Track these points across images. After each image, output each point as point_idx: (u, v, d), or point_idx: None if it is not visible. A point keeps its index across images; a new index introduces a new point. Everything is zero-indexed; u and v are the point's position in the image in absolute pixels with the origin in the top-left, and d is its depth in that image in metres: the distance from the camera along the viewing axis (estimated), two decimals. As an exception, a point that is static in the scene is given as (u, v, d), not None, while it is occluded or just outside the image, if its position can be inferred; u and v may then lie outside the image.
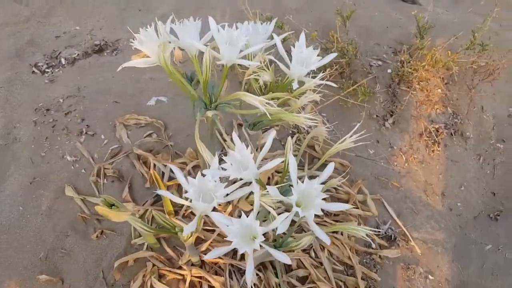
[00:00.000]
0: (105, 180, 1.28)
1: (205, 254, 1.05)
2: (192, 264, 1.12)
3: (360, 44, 1.62)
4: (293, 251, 1.07)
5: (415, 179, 1.53)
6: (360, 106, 1.55)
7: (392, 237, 1.37)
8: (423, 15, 1.63)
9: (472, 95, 1.67)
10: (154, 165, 1.25)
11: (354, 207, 1.34)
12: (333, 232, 1.28)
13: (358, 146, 1.51)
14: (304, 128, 1.41)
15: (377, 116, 1.59)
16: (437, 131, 1.63)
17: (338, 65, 1.53)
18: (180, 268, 1.12)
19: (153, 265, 1.13)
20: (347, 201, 1.36)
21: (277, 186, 0.77)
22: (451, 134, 1.65)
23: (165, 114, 1.41)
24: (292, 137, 1.44)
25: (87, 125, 1.40)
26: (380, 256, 1.32)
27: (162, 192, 0.81)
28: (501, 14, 1.95)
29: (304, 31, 1.59)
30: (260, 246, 0.73)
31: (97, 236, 1.21)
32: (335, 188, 1.37)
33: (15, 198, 1.30)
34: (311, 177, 0.79)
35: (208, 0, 1.75)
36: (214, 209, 0.78)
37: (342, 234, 1.28)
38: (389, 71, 1.63)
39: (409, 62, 1.59)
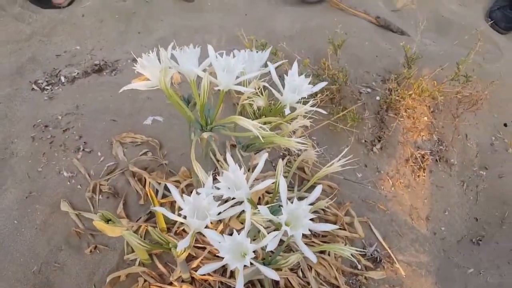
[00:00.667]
0: (101, 196, 1.32)
1: (195, 271, 1.09)
2: (183, 281, 1.16)
3: (350, 71, 1.69)
4: (281, 269, 1.11)
5: (401, 203, 1.58)
6: (349, 131, 1.61)
7: (378, 259, 1.41)
8: (411, 46, 1.70)
9: (456, 123, 1.73)
10: (149, 182, 1.29)
11: (341, 229, 1.39)
12: (321, 252, 1.32)
13: (347, 170, 1.58)
14: (294, 151, 1.47)
15: (365, 141, 1.64)
16: (423, 157, 1.69)
17: (328, 91, 1.60)
18: (171, 284, 1.15)
19: (145, 280, 1.16)
20: (335, 223, 1.40)
21: (268, 206, 0.81)
22: (436, 160, 1.71)
23: (161, 133, 1.45)
24: (283, 159, 1.49)
25: (84, 142, 1.44)
26: (365, 277, 1.36)
27: (158, 208, 0.85)
28: (484, 48, 2.05)
29: (297, 58, 1.66)
30: (251, 263, 0.77)
31: (90, 251, 1.23)
32: (323, 209, 1.41)
33: (11, 212, 1.33)
34: (300, 198, 0.83)
35: (204, 25, 1.82)
36: (206, 227, 0.82)
37: (329, 255, 1.32)
38: (377, 98, 1.70)
39: (397, 90, 1.66)
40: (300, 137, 1.52)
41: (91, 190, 1.32)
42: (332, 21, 1.90)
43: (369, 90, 1.73)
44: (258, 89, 0.93)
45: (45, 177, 1.39)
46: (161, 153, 1.41)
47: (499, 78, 1.97)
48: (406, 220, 1.55)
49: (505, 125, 1.88)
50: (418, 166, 1.67)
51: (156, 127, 1.48)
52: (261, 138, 0.85)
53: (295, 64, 0.99)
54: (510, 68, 2.03)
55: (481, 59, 1.99)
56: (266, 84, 0.97)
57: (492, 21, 2.18)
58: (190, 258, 1.19)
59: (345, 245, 1.37)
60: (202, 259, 1.15)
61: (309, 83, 1.45)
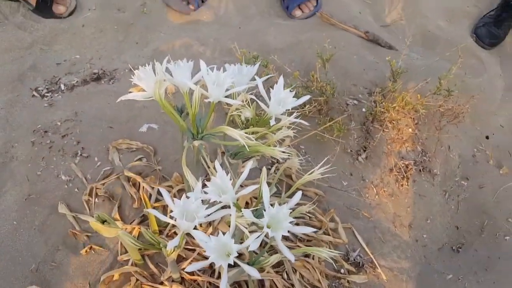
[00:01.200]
0: (97, 199, 1.38)
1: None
2: (173, 280, 1.22)
3: (338, 84, 1.76)
4: (265, 269, 1.17)
5: (385, 210, 1.65)
6: (335, 141, 1.68)
7: (361, 263, 1.48)
8: (397, 60, 1.78)
9: (439, 135, 1.81)
10: (143, 187, 1.36)
11: (325, 234, 1.46)
12: (306, 256, 1.39)
13: (333, 178, 1.65)
14: (281, 159, 1.54)
15: (351, 150, 1.72)
16: (407, 167, 1.76)
17: (316, 103, 1.67)
18: (161, 283, 1.21)
19: (137, 279, 1.23)
20: (320, 228, 1.47)
21: (251, 209, 0.88)
22: (420, 170, 1.78)
23: (155, 140, 1.52)
24: (271, 166, 1.57)
25: (82, 148, 1.51)
26: (348, 281, 1.42)
27: (151, 210, 0.91)
28: (468, 62, 2.14)
29: (287, 70, 1.74)
30: (235, 263, 0.84)
31: (86, 251, 1.30)
32: (309, 216, 1.48)
33: (10, 213, 1.39)
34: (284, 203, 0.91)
35: (199, 37, 1.90)
36: (196, 229, 0.89)
37: (313, 259, 1.39)
38: (363, 110, 1.78)
39: (382, 103, 1.73)
40: (288, 146, 1.60)
41: (87, 193, 1.38)
42: (322, 35, 1.99)
43: (355, 102, 1.80)
44: (246, 101, 1.01)
45: (44, 181, 1.46)
46: (155, 159, 1.48)
47: (482, 92, 2.06)
48: (389, 227, 1.62)
49: (487, 137, 1.96)
50: (401, 176, 1.74)
51: (151, 134, 1.55)
52: (246, 147, 0.92)
53: (281, 78, 1.06)
54: (492, 82, 2.11)
55: (464, 73, 2.07)
56: (254, 97, 1.04)
57: (476, 37, 2.27)
58: (180, 259, 1.26)
59: (329, 249, 1.44)
60: (191, 260, 1.22)
61: (298, 94, 1.53)
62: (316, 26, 2.12)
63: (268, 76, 1.17)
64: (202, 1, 2.16)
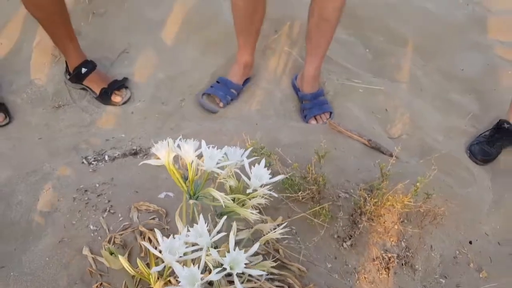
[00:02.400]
0: (113, 246, 1.69)
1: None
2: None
3: (332, 178, 2.06)
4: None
5: (363, 295, 1.84)
6: (323, 226, 1.93)
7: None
8: (390, 164, 2.07)
9: (422, 233, 2.02)
10: (150, 240, 1.67)
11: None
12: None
13: (318, 258, 1.88)
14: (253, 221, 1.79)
15: (338, 236, 1.96)
16: (389, 259, 1.96)
17: (310, 191, 1.97)
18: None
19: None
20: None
21: (218, 250, 1.17)
22: (402, 264, 1.97)
23: (169, 205, 1.85)
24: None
25: (111, 205, 1.86)
26: None
27: (144, 243, 1.22)
28: (460, 174, 2.39)
29: (288, 161, 2.06)
30: (201, 290, 1.11)
31: (97, 287, 1.59)
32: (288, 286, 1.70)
33: (45, 252, 1.72)
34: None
35: (222, 129, 2.30)
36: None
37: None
38: (352, 203, 2.04)
39: (370, 199, 2.00)
40: (280, 223, 1.87)
41: (107, 240, 1.70)
42: (327, 138, 2.33)
43: (347, 195, 2.08)
44: (231, 173, 1.34)
45: (76, 229, 1.80)
46: (165, 220, 1.79)
47: (468, 201, 2.27)
48: (366, 312, 1.79)
49: (470, 242, 2.13)
50: (383, 266, 1.93)
51: (167, 200, 1.89)
52: (223, 205, 1.23)
53: (263, 161, 1.39)
54: (480, 194, 2.33)
55: (454, 182, 2.31)
56: (239, 171, 1.37)
57: (470, 153, 2.53)
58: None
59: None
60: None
61: (295, 181, 1.85)
62: (324, 131, 2.47)
63: (253, 158, 1.49)
64: (231, 99, 2.60)
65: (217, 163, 1.33)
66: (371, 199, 1.98)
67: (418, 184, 1.92)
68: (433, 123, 2.72)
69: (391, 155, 2.49)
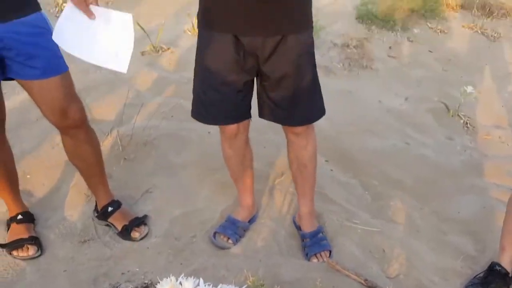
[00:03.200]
0: None
1: None
2: None
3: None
4: None
5: None
6: None
7: None
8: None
9: None
10: None
11: None
12: None
13: None
14: None
15: None
16: None
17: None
18: None
19: None
20: None
21: None
22: None
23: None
24: None
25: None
26: None
27: None
28: None
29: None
30: None
31: None
32: None
33: None
34: None
35: (226, 264, 2.52)
36: None
37: None
38: None
39: None
40: None
41: None
42: (325, 276, 2.51)
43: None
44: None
45: None
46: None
47: None
48: None
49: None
50: None
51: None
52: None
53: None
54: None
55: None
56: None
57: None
58: None
59: None
60: None
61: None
62: (324, 269, 2.65)
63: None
64: (240, 237, 2.86)
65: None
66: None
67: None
68: (429, 264, 2.86)
69: (388, 294, 2.61)
